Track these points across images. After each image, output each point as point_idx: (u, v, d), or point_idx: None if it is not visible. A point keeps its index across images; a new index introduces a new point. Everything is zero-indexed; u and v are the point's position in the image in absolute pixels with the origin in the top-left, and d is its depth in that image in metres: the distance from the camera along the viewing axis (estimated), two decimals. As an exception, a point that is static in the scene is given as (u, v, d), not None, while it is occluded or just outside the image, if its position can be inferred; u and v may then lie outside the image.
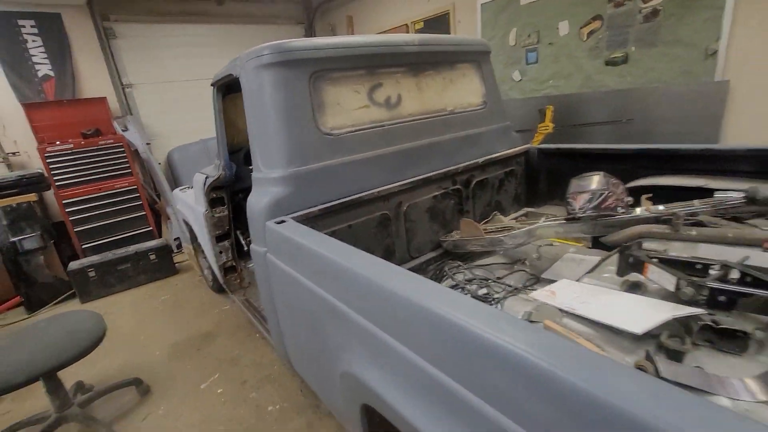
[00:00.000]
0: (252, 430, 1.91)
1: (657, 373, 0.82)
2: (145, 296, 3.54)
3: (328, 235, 1.76)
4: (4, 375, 1.62)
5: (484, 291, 1.84)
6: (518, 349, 0.64)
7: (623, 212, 1.66)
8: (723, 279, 1.06)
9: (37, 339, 1.83)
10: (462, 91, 2.34)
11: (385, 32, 5.08)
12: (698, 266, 1.12)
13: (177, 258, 4.25)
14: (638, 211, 1.61)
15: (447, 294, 0.86)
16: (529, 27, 3.58)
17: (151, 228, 4.29)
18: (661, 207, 1.56)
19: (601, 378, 0.56)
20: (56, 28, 4.03)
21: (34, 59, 3.98)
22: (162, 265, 3.86)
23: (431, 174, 2.09)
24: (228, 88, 2.34)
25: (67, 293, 3.62)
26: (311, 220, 1.70)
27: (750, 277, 1.02)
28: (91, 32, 4.22)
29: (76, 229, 3.90)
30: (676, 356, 0.88)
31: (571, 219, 1.71)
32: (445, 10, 4.24)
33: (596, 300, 1.14)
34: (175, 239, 4.48)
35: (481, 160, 2.31)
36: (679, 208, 1.52)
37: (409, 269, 2.03)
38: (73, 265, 3.54)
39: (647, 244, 1.53)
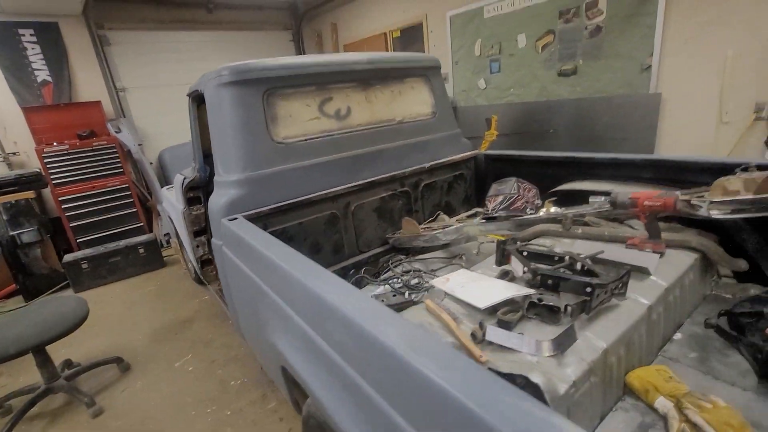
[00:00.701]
0: (215, 401, 2.19)
1: (483, 337, 1.09)
2: (133, 287, 3.83)
3: (281, 231, 2.05)
4: (-3, 347, 1.90)
5: (416, 281, 2.11)
6: (372, 329, 0.85)
7: (531, 213, 1.92)
8: (570, 267, 1.33)
9: (28, 319, 2.11)
10: (411, 103, 2.59)
11: (364, 40, 5.33)
12: (555, 258, 1.38)
13: (166, 252, 4.53)
14: (541, 212, 1.87)
15: (336, 283, 1.09)
16: (492, 39, 3.83)
17: (142, 224, 4.58)
18: (557, 209, 1.81)
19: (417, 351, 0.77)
20: (54, 36, 4.31)
21: (34, 65, 4.27)
22: (150, 258, 4.14)
23: (378, 177, 2.35)
24: (201, 99, 2.61)
25: (62, 284, 3.91)
26: (262, 218, 1.97)
27: (583, 266, 1.28)
28: (86, 40, 4.50)
29: (71, 225, 4.19)
30: (505, 325, 1.14)
31: (488, 218, 1.97)
32: (419, 20, 4.48)
33: (474, 284, 1.40)
34: (165, 235, 4.76)
35: (427, 165, 2.57)
36: (571, 210, 1.77)
37: (357, 262, 2.31)
38: (68, 257, 3.83)
39: (545, 240, 1.80)
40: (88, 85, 4.62)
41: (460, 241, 2.21)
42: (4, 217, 3.74)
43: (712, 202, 1.43)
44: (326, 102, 2.23)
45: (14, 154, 4.31)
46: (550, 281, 1.21)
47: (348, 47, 5.63)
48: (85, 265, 3.83)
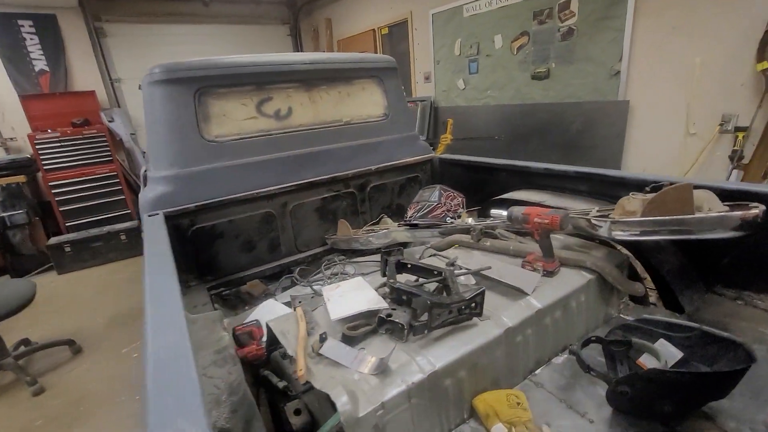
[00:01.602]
0: (147, 389, 2.26)
1: (319, 350, 1.09)
2: (111, 272, 3.99)
3: (209, 228, 2.08)
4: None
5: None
6: (149, 336, 0.89)
7: (450, 222, 1.88)
8: (443, 282, 1.30)
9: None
10: (360, 104, 2.57)
11: (355, 36, 5.31)
12: (435, 272, 1.36)
13: (150, 239, 4.68)
14: (456, 222, 1.83)
15: (163, 289, 1.09)
16: (471, 38, 3.75)
17: (129, 211, 4.75)
18: (471, 220, 1.77)
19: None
20: (52, 27, 4.49)
21: (32, 55, 4.47)
22: (132, 245, 4.30)
23: (319, 178, 2.35)
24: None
25: (47, 265, 4.11)
26: (188, 215, 2.01)
27: (449, 283, 1.25)
28: (83, 31, 4.67)
29: (60, 209, 4.39)
30: (348, 340, 1.13)
31: (404, 225, 1.94)
32: (404, 17, 4.42)
33: (352, 294, 1.39)
34: (152, 222, 4.92)
35: (374, 167, 2.55)
36: (481, 223, 1.73)
37: (295, 261, 2.32)
38: (52, 240, 4.02)
39: (456, 251, 1.76)
40: (84, 74, 4.80)
41: (389, 246, 2.19)
42: (-4, 200, 3.95)
43: (613, 222, 1.37)
44: (265, 102, 2.25)
45: (12, 139, 4.54)
46: (404, 297, 1.19)
47: (341, 43, 5.62)
48: (68, 249, 4.01)
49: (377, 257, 2.33)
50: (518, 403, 1.11)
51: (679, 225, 1.22)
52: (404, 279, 1.41)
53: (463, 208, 1.97)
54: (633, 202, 1.36)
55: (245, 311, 1.97)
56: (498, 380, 1.18)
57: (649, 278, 1.63)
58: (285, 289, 2.19)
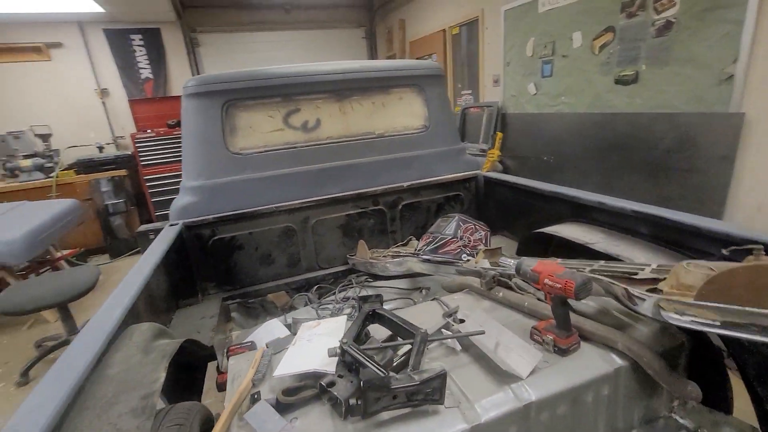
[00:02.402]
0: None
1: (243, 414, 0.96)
2: (182, 260, 4.39)
3: (229, 239, 2.11)
4: (21, 304, 2.38)
5: (348, 310, 1.98)
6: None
7: (465, 260, 1.61)
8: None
9: (49, 283, 2.59)
10: (396, 115, 2.39)
11: (423, 38, 5.08)
12: (408, 331, 1.14)
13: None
14: (471, 263, 1.56)
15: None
16: (546, 37, 3.28)
17: (207, 205, 5.21)
18: (485, 262, 1.49)
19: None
20: (156, 39, 5.12)
21: (140, 65, 5.14)
22: (203, 237, 4.69)
23: (343, 194, 2.24)
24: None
25: (136, 249, 4.71)
26: (209, 226, 2.05)
27: (416, 352, 1.03)
28: (180, 42, 5.23)
29: (153, 200, 4.99)
30: (282, 406, 0.98)
31: (412, 256, 1.72)
32: (475, 16, 4.08)
33: (320, 340, 1.23)
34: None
35: (406, 183, 2.35)
36: (493, 269, 1.44)
37: (314, 278, 2.26)
38: (141, 228, 4.55)
39: (465, 296, 1.49)
40: (180, 80, 5.36)
41: (405, 274, 1.98)
42: (104, 189, 4.63)
43: (660, 299, 1.01)
44: (292, 113, 2.20)
45: (121, 138, 5.29)
46: (354, 364, 1.00)
47: (412, 44, 5.44)
48: (152, 236, 4.52)
49: (399, 283, 2.14)
50: None
51: (752, 319, 0.82)
52: (381, 332, 1.23)
53: (485, 243, 1.68)
54: (692, 272, 0.98)
55: (262, 323, 1.93)
56: (460, 487, 0.93)
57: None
58: (293, 308, 2.13)
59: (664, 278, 1.11)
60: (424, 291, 2.07)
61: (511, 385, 1.00)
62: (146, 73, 5.19)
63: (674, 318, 0.95)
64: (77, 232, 4.35)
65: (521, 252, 2.05)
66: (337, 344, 1.04)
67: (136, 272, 1.46)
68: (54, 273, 2.81)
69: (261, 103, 2.14)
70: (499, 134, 2.89)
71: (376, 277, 2.20)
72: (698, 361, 1.17)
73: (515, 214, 2.29)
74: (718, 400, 1.24)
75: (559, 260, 1.49)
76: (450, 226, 1.69)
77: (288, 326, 1.73)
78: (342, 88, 2.24)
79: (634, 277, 1.19)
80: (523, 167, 3.58)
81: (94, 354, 0.95)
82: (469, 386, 1.02)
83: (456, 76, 4.84)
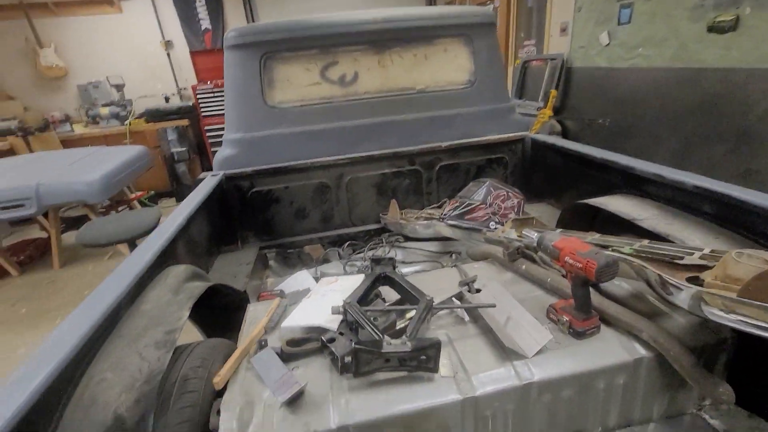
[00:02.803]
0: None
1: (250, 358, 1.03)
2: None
3: (266, 192, 2.18)
4: (97, 238, 2.71)
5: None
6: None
7: (493, 228, 1.53)
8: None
9: (121, 221, 2.90)
10: (440, 68, 2.23)
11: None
12: (413, 295, 1.12)
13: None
14: (498, 232, 1.48)
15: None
16: (628, -26, 2.80)
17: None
18: (512, 232, 1.40)
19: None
20: (215, -11, 5.16)
21: (199, 16, 5.26)
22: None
23: (379, 152, 2.19)
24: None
25: (197, 195, 5.09)
26: (247, 178, 2.13)
27: (418, 318, 1.01)
28: (237, -9, 5.23)
29: (212, 149, 5.29)
30: (287, 356, 1.03)
31: (439, 220, 1.67)
32: (547, -49, 3.57)
33: (332, 296, 1.26)
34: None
35: (445, 143, 2.24)
36: (519, 240, 1.35)
37: (347, 234, 2.30)
38: (201, 175, 4.90)
39: (489, 267, 1.43)
40: (237, 32, 5.44)
41: (434, 237, 1.94)
42: (169, 138, 4.99)
43: (699, 292, 0.89)
44: (330, 66, 2.13)
45: (184, 89, 5.57)
46: (354, 324, 1.01)
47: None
48: (211, 184, 4.86)
49: (430, 246, 2.12)
50: (458, 493, 0.87)
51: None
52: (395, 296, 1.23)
53: (517, 212, 1.57)
54: (743, 263, 0.83)
55: (296, 272, 2.02)
56: (450, 453, 0.94)
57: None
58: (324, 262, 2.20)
59: (697, 273, 0.97)
60: (454, 256, 2.02)
61: (514, 362, 0.97)
62: (205, 24, 5.31)
63: (717, 315, 0.83)
64: (148, 176, 4.78)
65: (562, 224, 1.90)
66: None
67: (174, 217, 1.56)
68: (124, 213, 3.15)
69: (298, 55, 2.10)
70: (553, 92, 2.60)
71: (408, 238, 2.19)
72: (749, 359, 1.04)
73: (562, 181, 2.11)
74: (766, 405, 1.11)
75: (598, 236, 1.36)
76: (480, 191, 1.59)
77: (316, 279, 1.80)
78: (382, 39, 2.12)
79: (679, 261, 1.05)
80: (585, 131, 3.24)
81: (121, 290, 1.05)
82: (470, 358, 0.99)
83: (519, 24, 4.38)
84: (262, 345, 1.06)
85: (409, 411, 0.89)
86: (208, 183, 1.97)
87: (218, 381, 0.97)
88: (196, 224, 1.79)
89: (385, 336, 0.93)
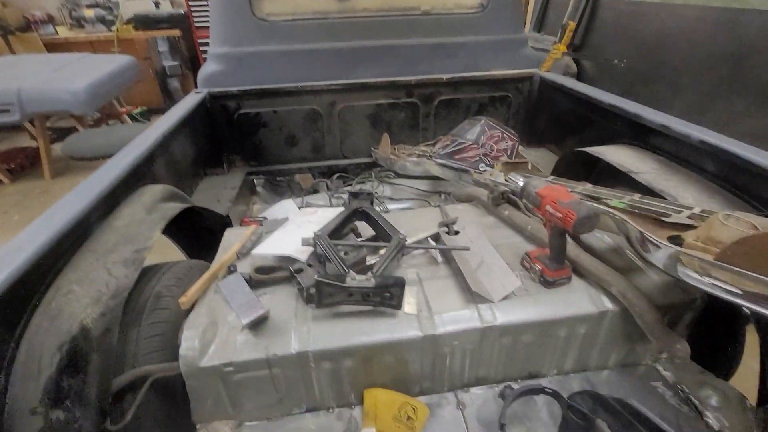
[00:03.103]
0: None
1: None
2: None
3: (254, 115, 2.08)
4: (83, 150, 2.65)
5: (360, 203, 1.97)
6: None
7: (482, 170, 1.46)
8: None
9: (109, 134, 2.82)
10: (448, -13, 2.00)
11: None
12: (387, 232, 1.09)
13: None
14: (485, 174, 1.41)
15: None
16: None
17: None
18: (499, 175, 1.34)
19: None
20: None
21: None
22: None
23: (375, 80, 2.05)
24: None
25: (191, 114, 4.90)
26: (233, 98, 2.01)
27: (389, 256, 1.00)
28: None
29: (206, 66, 4.99)
30: (254, 283, 1.03)
31: (428, 158, 1.60)
32: None
33: (308, 227, 1.23)
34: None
35: (446, 76, 2.08)
36: (504, 185, 1.29)
37: (336, 166, 2.23)
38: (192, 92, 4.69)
39: (471, 209, 1.40)
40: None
41: (423, 175, 1.88)
42: (160, 49, 4.68)
43: (677, 252, 0.85)
44: (326, -25, 1.90)
45: (176, -6, 5.10)
46: (323, 256, 0.99)
47: None
48: (205, 103, 4.66)
49: (420, 184, 2.07)
50: (409, 418, 0.92)
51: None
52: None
53: (510, 155, 1.49)
54: (728, 227, 0.79)
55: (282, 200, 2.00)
56: (404, 382, 0.98)
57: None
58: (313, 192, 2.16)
59: (679, 232, 0.93)
60: (443, 196, 1.98)
61: (479, 305, 0.97)
62: None
63: (690, 276, 0.81)
64: (140, 90, 4.58)
65: (558, 172, 1.83)
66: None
67: (150, 132, 1.49)
68: (111, 127, 3.05)
69: (291, -43, 1.86)
70: (571, 24, 2.35)
71: (399, 175, 2.13)
72: (714, 319, 1.04)
73: (566, 127, 1.99)
74: (720, 363, 1.15)
75: (590, 187, 1.30)
76: (473, 130, 1.50)
77: (301, 208, 1.77)
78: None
79: (665, 219, 1.01)
80: (603, 75, 3.01)
81: (87, 202, 1.02)
82: (436, 298, 1.00)
83: (551, -57, 3.86)
84: (231, 270, 1.06)
85: (367, 343, 0.91)
86: (190, 100, 1.86)
87: (185, 301, 0.97)
88: (178, 143, 1.72)
89: (350, 271, 0.92)
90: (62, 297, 0.93)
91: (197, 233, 1.65)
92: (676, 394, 1.00)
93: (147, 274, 1.21)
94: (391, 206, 2.01)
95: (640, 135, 1.52)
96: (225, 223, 1.71)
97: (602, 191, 1.25)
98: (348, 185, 2.12)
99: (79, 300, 0.92)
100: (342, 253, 1.05)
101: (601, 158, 1.51)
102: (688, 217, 0.99)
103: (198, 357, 0.87)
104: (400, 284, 0.88)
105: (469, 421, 0.95)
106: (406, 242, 1.10)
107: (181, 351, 0.87)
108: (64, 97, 3.10)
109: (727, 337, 1.10)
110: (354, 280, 0.87)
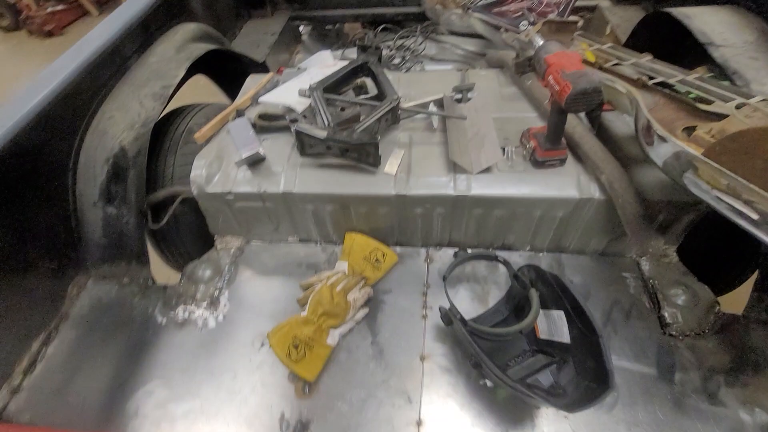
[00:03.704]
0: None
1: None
2: None
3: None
4: None
5: (397, 61, 1.88)
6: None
7: (522, 28, 1.26)
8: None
9: None
10: None
11: None
12: (383, 91, 1.07)
13: None
14: (523, 34, 1.22)
15: None
16: None
17: None
18: (536, 37, 1.16)
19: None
20: None
21: None
22: None
23: None
24: None
25: None
26: None
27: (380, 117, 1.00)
28: None
29: None
30: (256, 128, 1.11)
31: (464, 10, 1.40)
32: None
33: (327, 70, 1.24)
34: None
35: None
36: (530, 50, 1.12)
37: (384, 15, 2.06)
38: None
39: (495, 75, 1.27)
40: None
41: (466, 28, 1.68)
42: None
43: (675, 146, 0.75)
44: None
45: None
46: (315, 109, 1.03)
47: None
48: None
49: (467, 43, 1.86)
50: (377, 260, 1.07)
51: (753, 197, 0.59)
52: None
53: (563, 11, 1.23)
54: (739, 120, 0.66)
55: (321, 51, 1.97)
56: (381, 232, 1.10)
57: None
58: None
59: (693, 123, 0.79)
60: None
61: (457, 175, 0.98)
62: None
63: (690, 180, 0.73)
64: None
65: (636, 37, 1.51)
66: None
67: None
68: None
69: None
70: None
71: (450, 33, 1.92)
72: (708, 222, 0.96)
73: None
74: (718, 277, 1.09)
75: (648, 58, 1.08)
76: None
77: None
78: None
79: (704, 107, 0.86)
80: None
81: (111, 34, 1.13)
82: (419, 163, 1.02)
83: None
84: (239, 114, 1.15)
85: (344, 194, 1.00)
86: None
87: (198, 137, 1.12)
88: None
89: (333, 125, 0.96)
90: (106, 120, 1.12)
91: (237, 77, 1.74)
92: (646, 288, 1.00)
93: (184, 111, 1.37)
94: (430, 67, 1.88)
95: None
96: (263, 68, 1.76)
97: (658, 67, 1.05)
98: (390, 40, 1.97)
99: (118, 124, 1.10)
100: (339, 109, 1.08)
101: (685, 22, 1.22)
102: (736, 107, 0.82)
103: (204, 184, 1.04)
104: (374, 144, 0.91)
105: (431, 274, 1.07)
106: (405, 105, 1.08)
107: (191, 177, 1.04)
108: None
109: (733, 252, 1.02)
110: (333, 134, 0.92)
